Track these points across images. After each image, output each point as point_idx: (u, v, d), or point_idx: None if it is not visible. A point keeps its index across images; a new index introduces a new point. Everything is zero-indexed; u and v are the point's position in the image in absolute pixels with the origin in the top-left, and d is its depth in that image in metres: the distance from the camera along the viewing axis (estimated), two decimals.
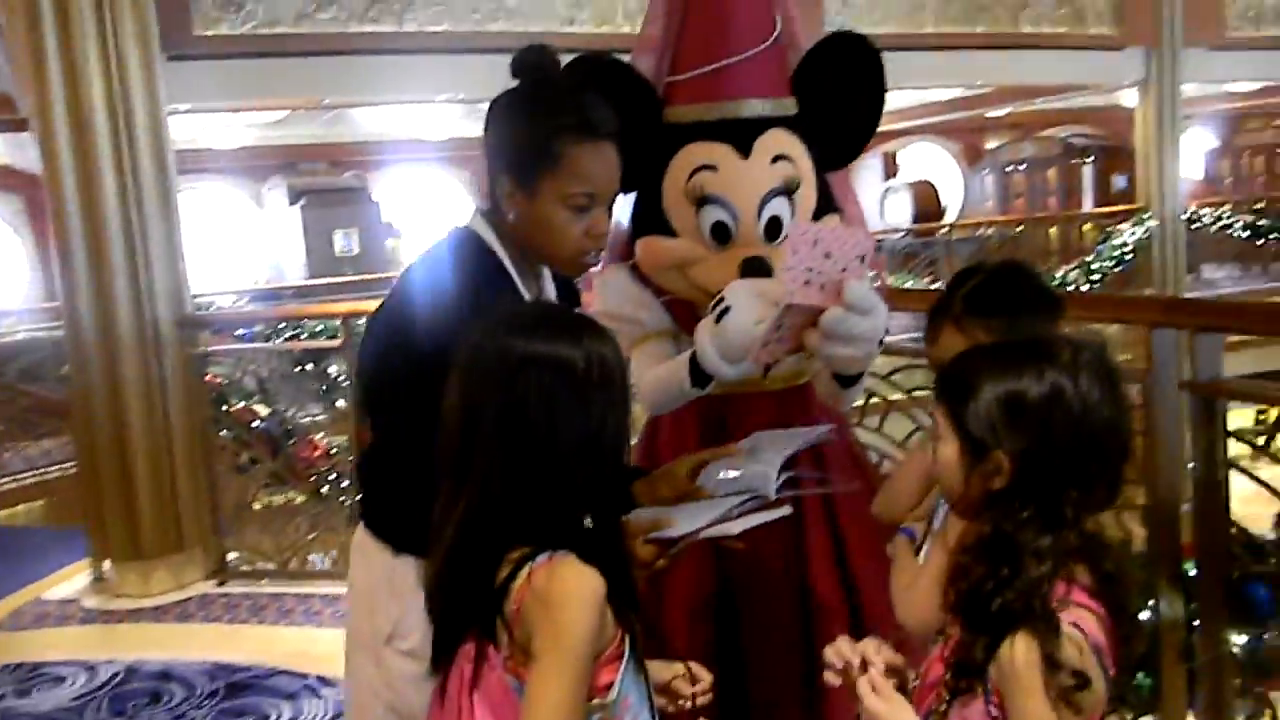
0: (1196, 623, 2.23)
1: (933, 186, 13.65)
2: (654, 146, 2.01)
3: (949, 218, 14.24)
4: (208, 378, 4.52)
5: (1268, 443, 2.10)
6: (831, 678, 1.38)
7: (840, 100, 2.08)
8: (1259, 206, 12.66)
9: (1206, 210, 11.82)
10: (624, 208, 2.17)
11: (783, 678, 2.06)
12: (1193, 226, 11.31)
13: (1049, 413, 1.24)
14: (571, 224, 1.57)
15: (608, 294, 2.11)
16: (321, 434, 5.12)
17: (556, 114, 1.57)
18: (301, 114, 9.42)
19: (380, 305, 1.67)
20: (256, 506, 4.79)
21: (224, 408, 4.74)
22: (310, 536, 4.69)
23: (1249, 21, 11.28)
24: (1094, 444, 1.25)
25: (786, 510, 1.52)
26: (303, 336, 5.82)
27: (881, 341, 1.81)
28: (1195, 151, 15.47)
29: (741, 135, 1.95)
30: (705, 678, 1.46)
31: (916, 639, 1.54)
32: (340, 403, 4.53)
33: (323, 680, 3.43)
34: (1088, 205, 13.70)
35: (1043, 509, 1.23)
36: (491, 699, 1.28)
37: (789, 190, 1.97)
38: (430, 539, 1.32)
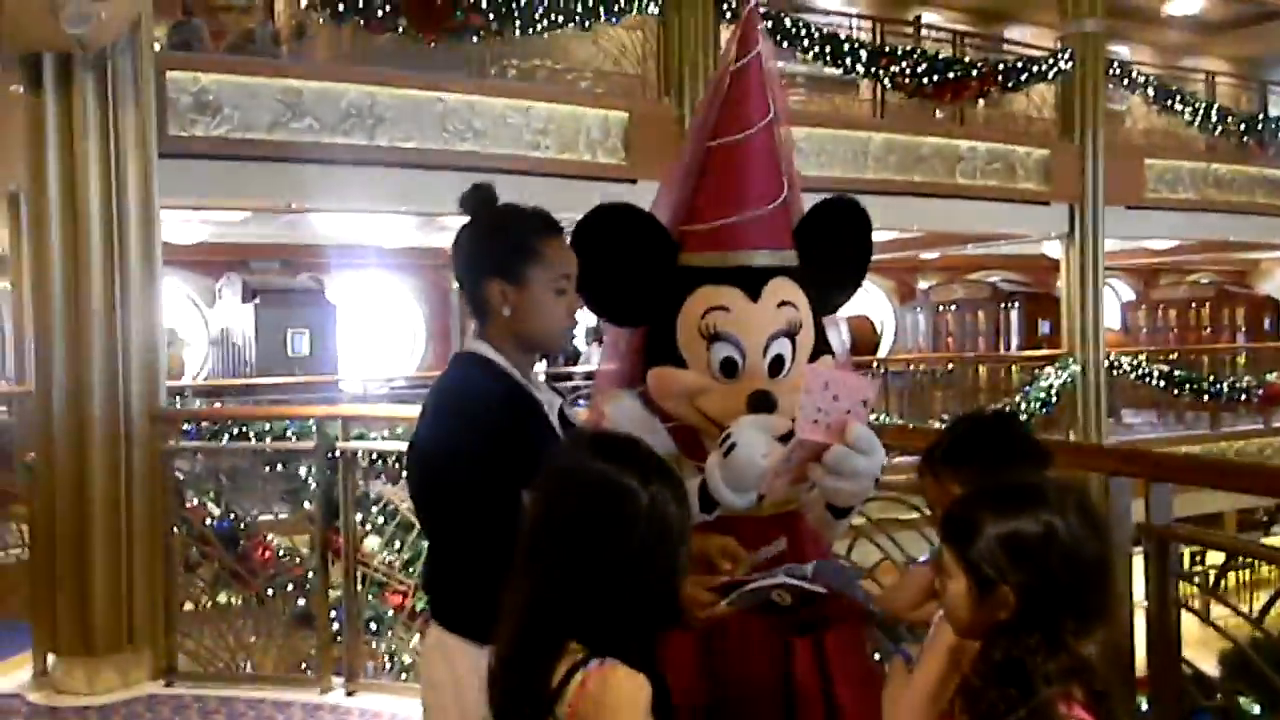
0: None
1: (870, 321, 14.14)
2: (669, 286, 2.20)
3: (882, 352, 14.72)
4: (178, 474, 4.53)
5: (1217, 583, 2.29)
6: None
7: (834, 255, 2.32)
8: (1173, 357, 13.34)
9: (1125, 358, 12.39)
10: (630, 338, 2.37)
11: None
12: (1113, 373, 11.85)
13: (1046, 550, 1.41)
14: (558, 305, 1.92)
15: (618, 417, 2.26)
16: (273, 536, 5.10)
17: (526, 221, 1.94)
18: (261, 214, 9.55)
19: (419, 431, 1.92)
20: (206, 606, 4.74)
21: (181, 504, 4.74)
22: (253, 640, 4.66)
23: (1165, 184, 12.10)
24: (1085, 576, 1.42)
25: (822, 589, 1.71)
26: (254, 436, 5.83)
27: (878, 479, 2.00)
28: (1115, 302, 16.28)
29: (750, 281, 2.15)
30: None
31: None
32: (307, 504, 4.55)
33: None
34: (1014, 347, 14.27)
35: (1046, 636, 1.40)
36: None
37: (791, 333, 2.16)
38: (498, 631, 1.45)
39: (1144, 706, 2.37)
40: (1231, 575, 11.06)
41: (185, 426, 5.50)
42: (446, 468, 1.81)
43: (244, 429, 5.19)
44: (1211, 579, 2.15)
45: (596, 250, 2.18)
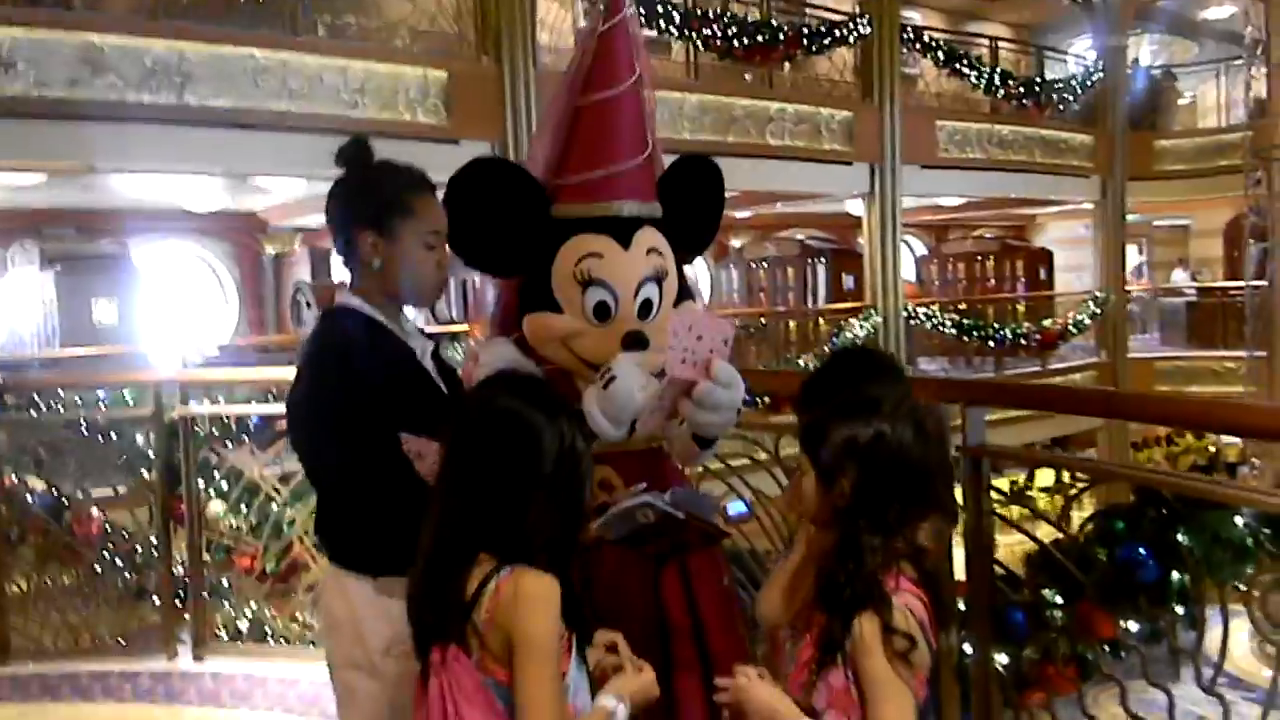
0: (968, 647, 2.70)
1: (691, 279, 14.58)
2: (543, 237, 2.33)
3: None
4: None
5: (1023, 495, 2.61)
6: (722, 696, 1.71)
7: (691, 209, 2.50)
8: (962, 307, 14.34)
9: (920, 309, 13.25)
10: (501, 288, 2.49)
11: None
12: (910, 323, 12.66)
13: (875, 450, 1.68)
14: (428, 259, 2.02)
15: (495, 363, 2.37)
16: (96, 512, 4.91)
17: (399, 176, 2.03)
18: (55, 177, 9.02)
19: (295, 388, 2.01)
20: (34, 587, 4.56)
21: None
22: (85, 614, 4.52)
23: (955, 145, 12.94)
24: (909, 473, 1.69)
25: (680, 515, 1.97)
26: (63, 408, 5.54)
27: (740, 411, 2.21)
28: (910, 257, 17.29)
29: (621, 230, 2.30)
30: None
31: (774, 634, 1.92)
32: (144, 472, 4.43)
33: None
34: (821, 301, 15.01)
35: (874, 518, 1.67)
36: (470, 698, 1.52)
37: (659, 278, 2.33)
38: (416, 555, 1.58)
39: (962, 606, 2.68)
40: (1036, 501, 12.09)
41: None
42: (323, 418, 1.91)
43: (52, 402, 4.99)
44: (1018, 500, 2.51)
45: (472, 203, 2.29)
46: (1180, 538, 2.38)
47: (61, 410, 4.90)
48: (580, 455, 1.61)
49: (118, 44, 7.02)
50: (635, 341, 2.23)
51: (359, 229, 1.98)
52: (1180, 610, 2.43)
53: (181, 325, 11.32)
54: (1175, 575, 2.40)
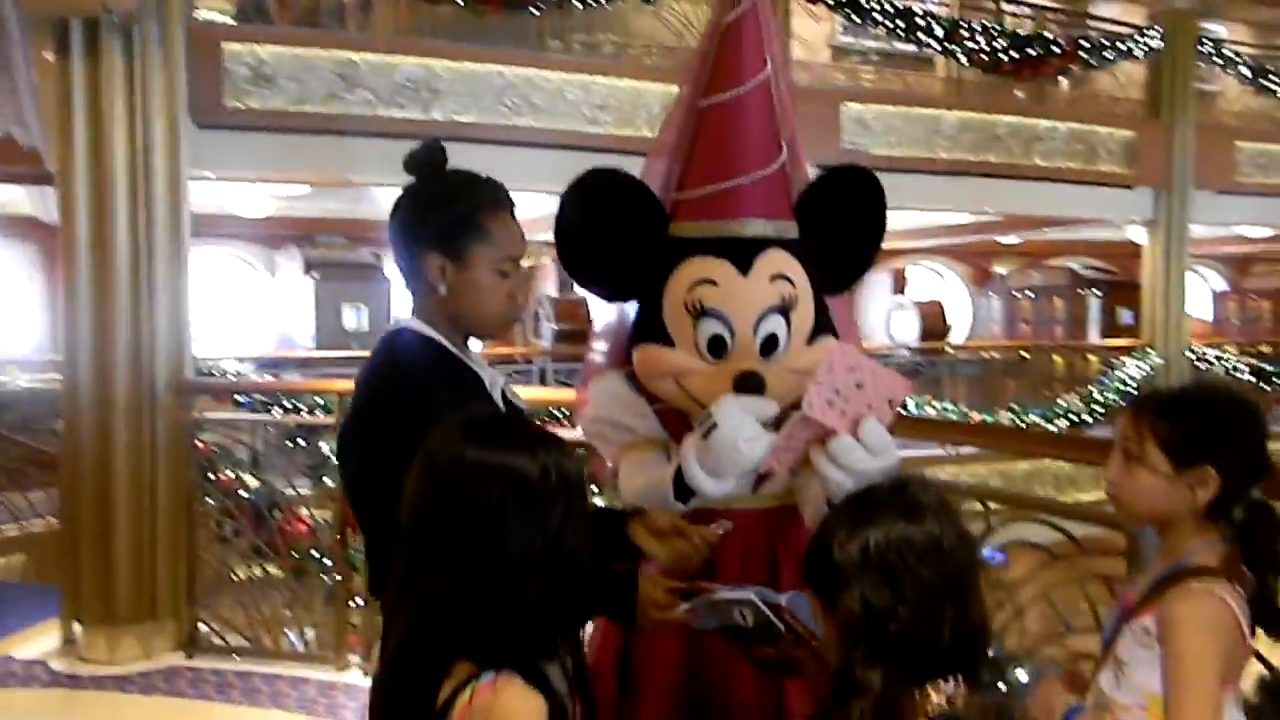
0: None
1: (940, 306, 13.72)
2: (658, 258, 2.03)
3: (955, 338, 14.32)
4: (199, 445, 4.49)
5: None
6: None
7: (843, 229, 2.11)
8: (1265, 350, 12.71)
9: (1211, 350, 11.84)
10: (623, 314, 2.21)
11: None
12: (1198, 366, 11.33)
13: (887, 555, 1.26)
14: (500, 287, 1.73)
15: (602, 399, 2.11)
16: (306, 510, 5.04)
17: (475, 193, 1.75)
18: (325, 188, 9.58)
19: (350, 414, 1.75)
20: (234, 579, 4.70)
21: (211, 476, 4.70)
22: (285, 613, 4.61)
23: (1259, 168, 11.50)
24: (927, 593, 1.26)
25: (782, 624, 1.55)
26: (297, 410, 5.78)
27: None
28: (1203, 291, 15.61)
29: (742, 253, 1.97)
30: None
31: None
32: (328, 480, 4.48)
33: None
34: (1093, 336, 13.77)
35: (876, 642, 1.25)
36: None
37: (786, 309, 1.97)
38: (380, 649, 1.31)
39: None
40: None
41: (239, 399, 5.52)
42: (383, 457, 1.57)
43: (268, 403, 5.17)
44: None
45: (583, 218, 2.03)
46: None
47: (279, 413, 5.07)
48: (575, 487, 1.28)
49: (372, 60, 7.30)
50: (748, 383, 1.89)
51: (426, 250, 1.71)
52: None
53: None
54: None
